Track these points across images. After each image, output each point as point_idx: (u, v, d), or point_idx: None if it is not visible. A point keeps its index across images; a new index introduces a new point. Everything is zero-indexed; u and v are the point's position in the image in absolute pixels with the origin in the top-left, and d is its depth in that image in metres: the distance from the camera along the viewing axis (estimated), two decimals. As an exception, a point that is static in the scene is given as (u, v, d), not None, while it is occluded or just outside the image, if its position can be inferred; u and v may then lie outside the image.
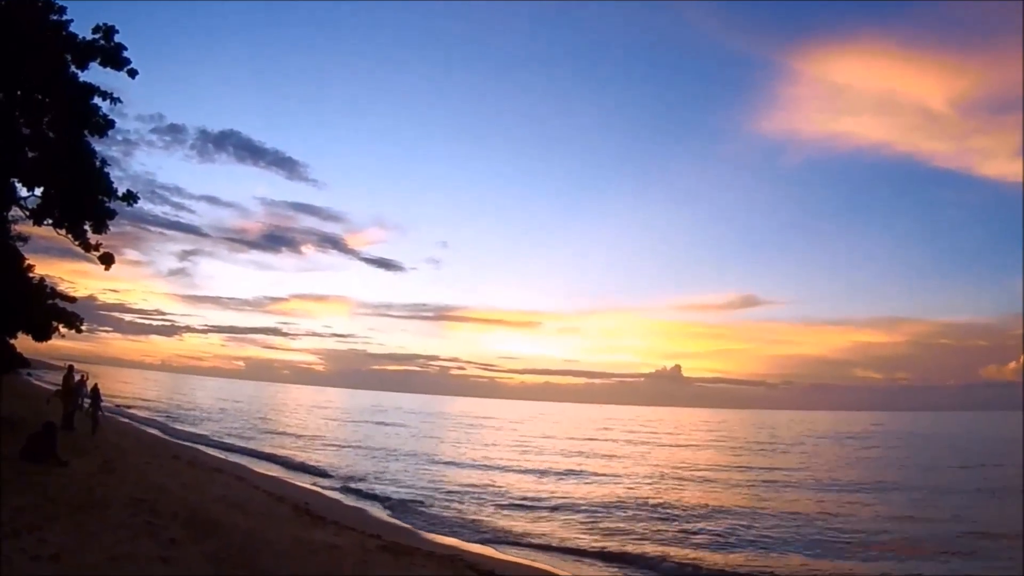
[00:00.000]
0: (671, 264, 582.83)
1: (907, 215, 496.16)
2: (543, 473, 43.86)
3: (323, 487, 31.70)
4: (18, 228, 36.67)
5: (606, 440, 79.54)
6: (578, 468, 47.28)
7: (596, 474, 44.25)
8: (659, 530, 26.68)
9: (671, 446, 74.12)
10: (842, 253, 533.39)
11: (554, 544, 23.24)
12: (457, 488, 34.61)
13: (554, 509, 30.35)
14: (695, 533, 26.20)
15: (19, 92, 27.24)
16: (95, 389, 43.37)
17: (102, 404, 41.23)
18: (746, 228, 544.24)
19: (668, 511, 30.84)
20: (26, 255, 41.15)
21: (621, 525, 27.11)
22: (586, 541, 23.99)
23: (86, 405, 33.52)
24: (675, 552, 22.87)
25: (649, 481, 41.44)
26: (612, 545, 23.20)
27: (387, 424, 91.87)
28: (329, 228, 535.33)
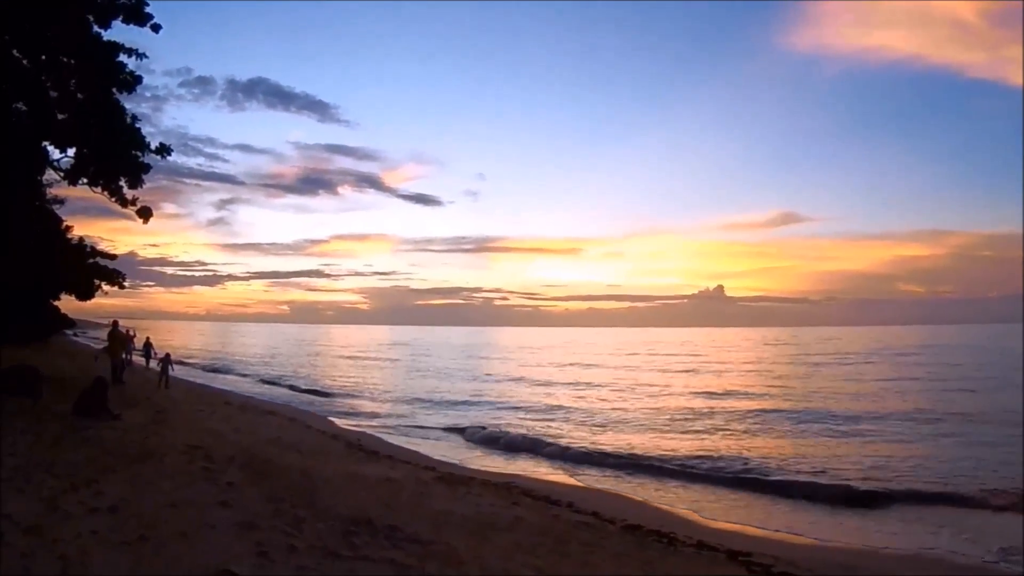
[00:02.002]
0: (710, 184, 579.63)
1: (943, 127, 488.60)
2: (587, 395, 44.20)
3: (373, 425, 31.95)
4: (53, 191, 36.87)
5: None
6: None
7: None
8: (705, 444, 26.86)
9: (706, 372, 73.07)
10: (880, 167, 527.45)
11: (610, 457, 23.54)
12: (504, 414, 35.00)
13: (602, 426, 30.66)
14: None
15: (44, 56, 27.06)
16: (147, 343, 44.02)
17: (154, 355, 42.02)
18: (783, 145, 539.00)
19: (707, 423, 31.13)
20: (64, 217, 41.44)
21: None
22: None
23: (133, 360, 33.99)
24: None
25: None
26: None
27: (427, 357, 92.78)
28: (365, 167, 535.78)
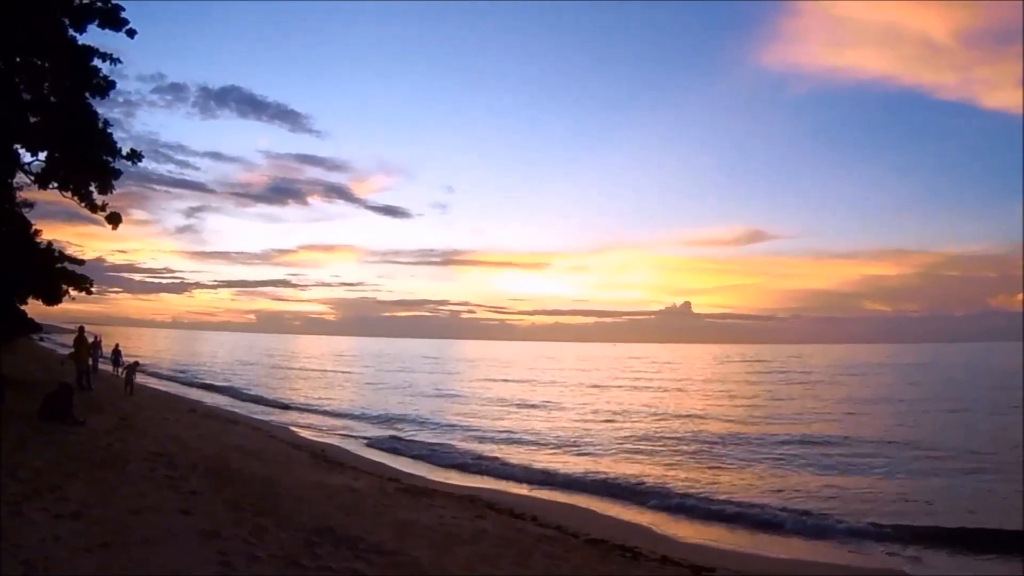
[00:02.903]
0: (678, 199, 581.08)
1: (913, 147, 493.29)
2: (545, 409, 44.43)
3: (339, 435, 31.91)
4: (23, 194, 36.63)
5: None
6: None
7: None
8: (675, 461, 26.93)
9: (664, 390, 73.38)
10: (848, 186, 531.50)
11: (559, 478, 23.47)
12: (469, 429, 34.99)
13: (559, 447, 30.64)
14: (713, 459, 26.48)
15: (17, 58, 27.02)
16: (116, 349, 43.93)
17: (122, 362, 41.90)
18: (752, 162, 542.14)
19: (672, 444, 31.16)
20: (32, 220, 41.16)
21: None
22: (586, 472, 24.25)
23: (102, 367, 33.86)
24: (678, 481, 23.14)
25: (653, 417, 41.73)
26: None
27: (395, 371, 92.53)
28: (334, 178, 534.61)
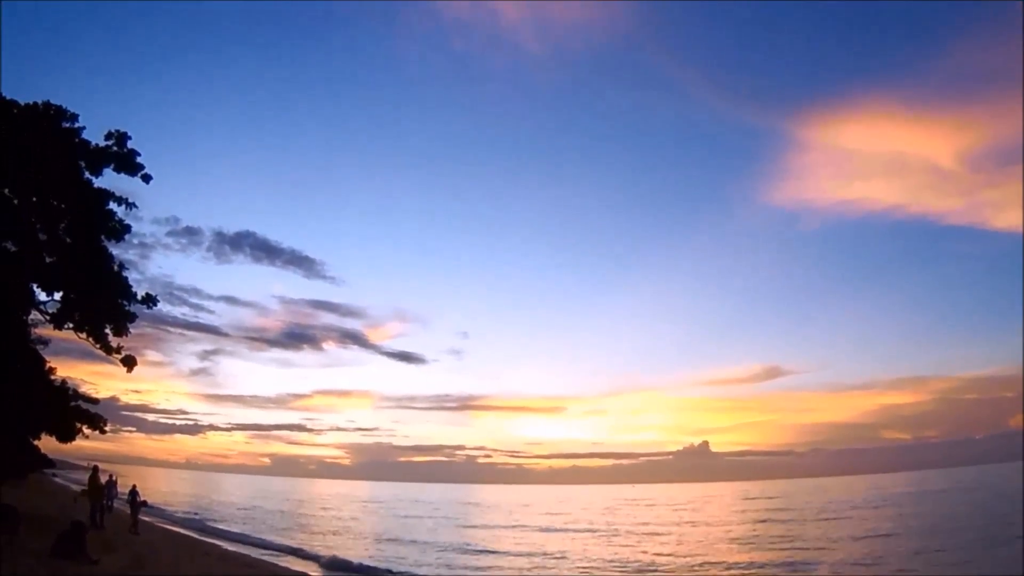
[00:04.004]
0: (693, 339, 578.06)
1: (924, 274, 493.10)
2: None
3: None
4: (38, 331, 37.05)
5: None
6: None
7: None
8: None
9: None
10: (862, 317, 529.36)
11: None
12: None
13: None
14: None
15: (35, 198, 27.73)
16: (133, 490, 43.86)
17: (140, 501, 41.70)
18: (765, 299, 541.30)
19: None
20: (47, 357, 41.48)
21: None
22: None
23: (115, 506, 33.69)
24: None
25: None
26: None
27: (413, 516, 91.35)
28: (349, 324, 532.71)
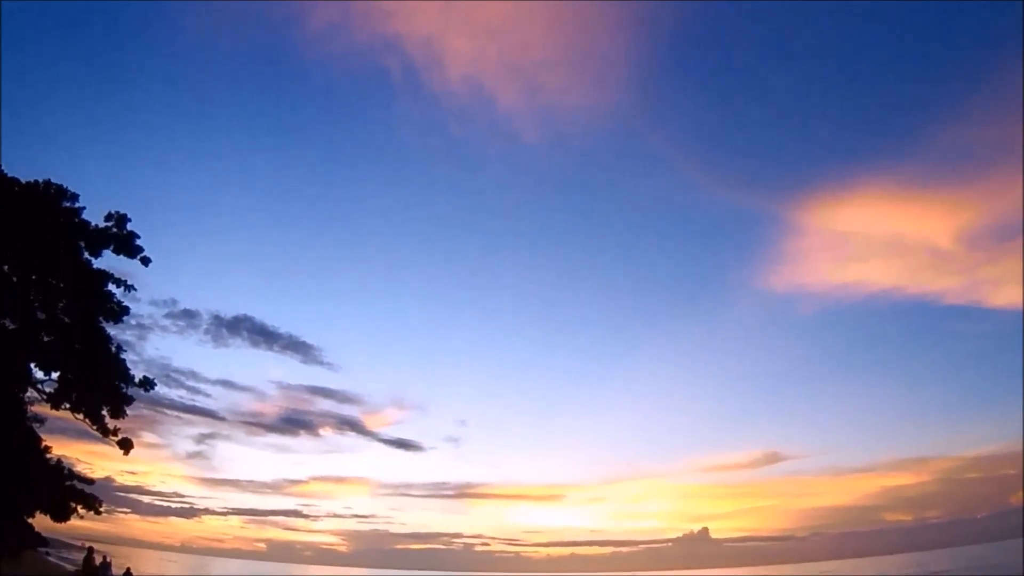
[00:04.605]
0: (692, 425, 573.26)
1: (923, 354, 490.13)
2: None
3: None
4: (35, 408, 36.37)
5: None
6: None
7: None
8: None
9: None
10: (862, 399, 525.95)
11: None
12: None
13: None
14: None
15: (34, 276, 27.29)
16: (127, 573, 42.86)
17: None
18: (764, 384, 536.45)
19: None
20: (43, 435, 40.72)
21: None
22: None
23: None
24: None
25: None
26: None
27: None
28: (346, 410, 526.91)
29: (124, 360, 28.47)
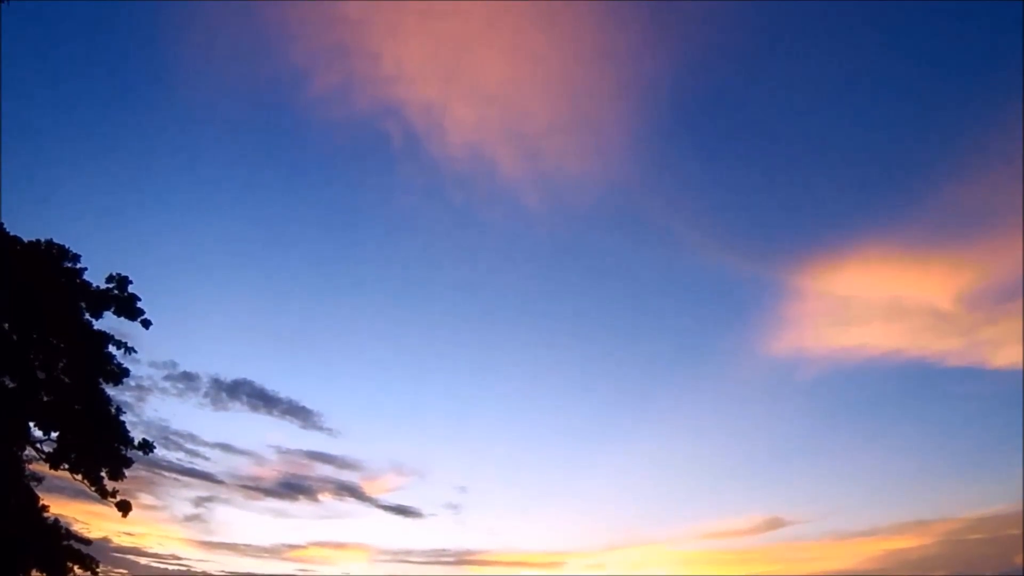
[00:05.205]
0: (693, 491, 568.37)
1: (924, 416, 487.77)
2: None
3: None
4: (32, 466, 36.28)
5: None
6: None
7: None
8: None
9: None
10: (863, 462, 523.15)
11: None
12: None
13: None
14: None
15: (34, 335, 27.41)
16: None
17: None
18: (765, 449, 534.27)
19: None
20: (40, 494, 40.55)
21: None
22: None
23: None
24: None
25: None
26: None
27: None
28: (345, 476, 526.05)
29: (123, 422, 28.60)
